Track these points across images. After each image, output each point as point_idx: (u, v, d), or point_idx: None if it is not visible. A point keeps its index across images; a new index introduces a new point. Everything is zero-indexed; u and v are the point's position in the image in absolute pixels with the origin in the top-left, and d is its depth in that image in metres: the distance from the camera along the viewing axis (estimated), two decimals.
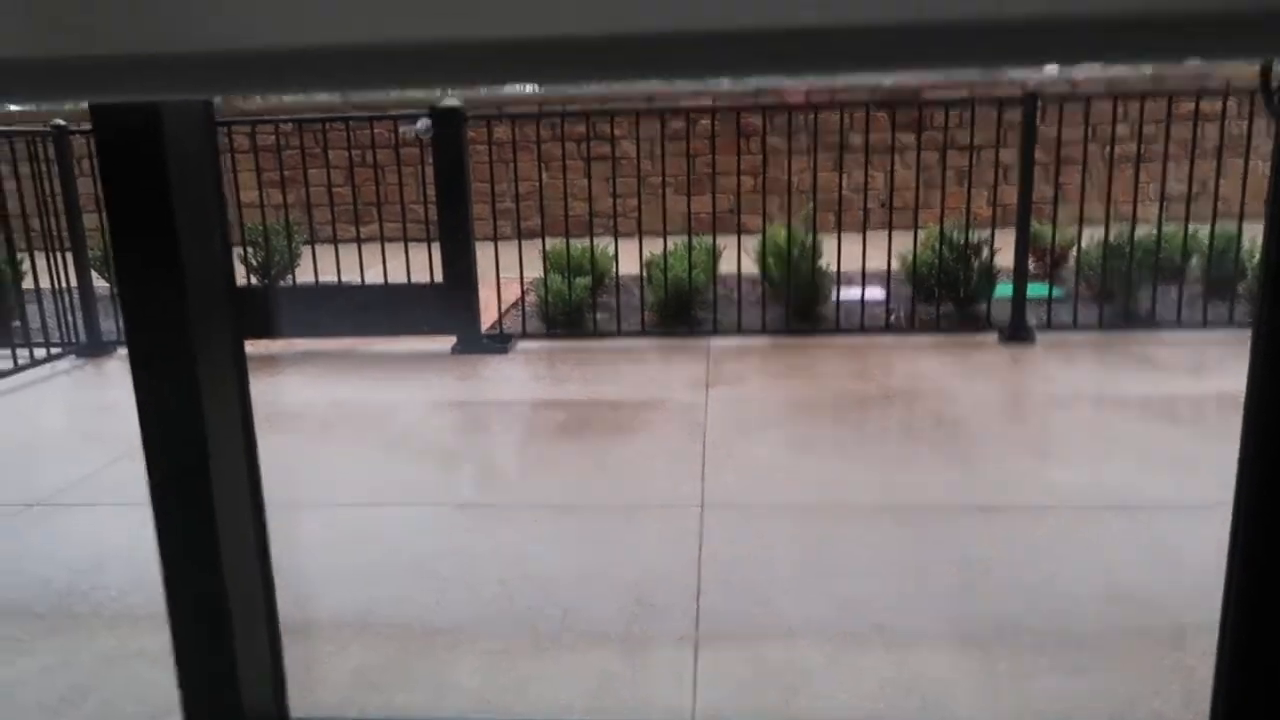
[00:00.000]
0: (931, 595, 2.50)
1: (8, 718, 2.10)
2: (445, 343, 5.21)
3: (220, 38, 0.50)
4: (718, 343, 5.25)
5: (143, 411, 1.35)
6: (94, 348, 5.38)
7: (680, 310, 5.48)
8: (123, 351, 5.45)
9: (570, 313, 5.46)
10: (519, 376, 4.89)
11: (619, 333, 5.39)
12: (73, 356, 5.28)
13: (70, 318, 5.35)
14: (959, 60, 0.49)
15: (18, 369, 4.88)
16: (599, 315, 5.56)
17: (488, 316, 5.41)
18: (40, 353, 5.07)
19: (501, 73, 0.52)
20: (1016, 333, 5.08)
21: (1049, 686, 2.07)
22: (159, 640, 2.26)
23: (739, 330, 5.32)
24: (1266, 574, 1.21)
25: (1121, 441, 3.63)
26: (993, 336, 5.16)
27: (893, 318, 5.49)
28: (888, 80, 8.51)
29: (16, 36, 0.52)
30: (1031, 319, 5.18)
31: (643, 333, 5.38)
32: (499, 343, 5.20)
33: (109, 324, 5.44)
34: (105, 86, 0.55)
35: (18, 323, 5.16)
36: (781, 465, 3.49)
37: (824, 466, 3.45)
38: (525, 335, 5.44)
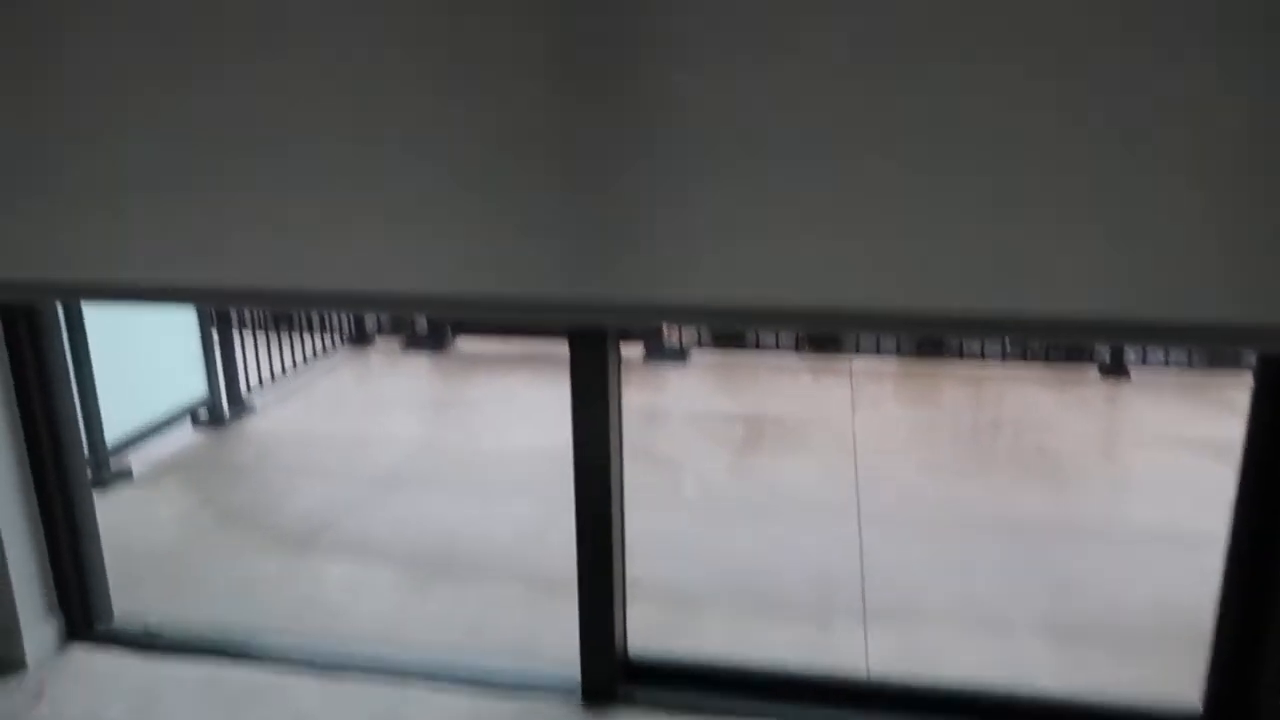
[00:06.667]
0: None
1: (435, 638, 3.39)
2: (636, 350, 6.47)
3: None
4: (858, 364, 6.37)
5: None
6: (361, 340, 6.85)
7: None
8: (381, 342, 6.90)
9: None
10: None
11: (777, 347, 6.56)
12: (349, 347, 6.77)
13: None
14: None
15: (320, 355, 6.44)
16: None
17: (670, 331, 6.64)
18: (329, 341, 6.60)
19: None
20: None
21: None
22: (513, 591, 3.62)
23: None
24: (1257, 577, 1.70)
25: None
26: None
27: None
28: None
29: None
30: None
31: (795, 350, 6.53)
32: (679, 353, 6.43)
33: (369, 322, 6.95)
34: None
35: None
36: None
37: None
38: (699, 347, 6.65)
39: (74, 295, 1.68)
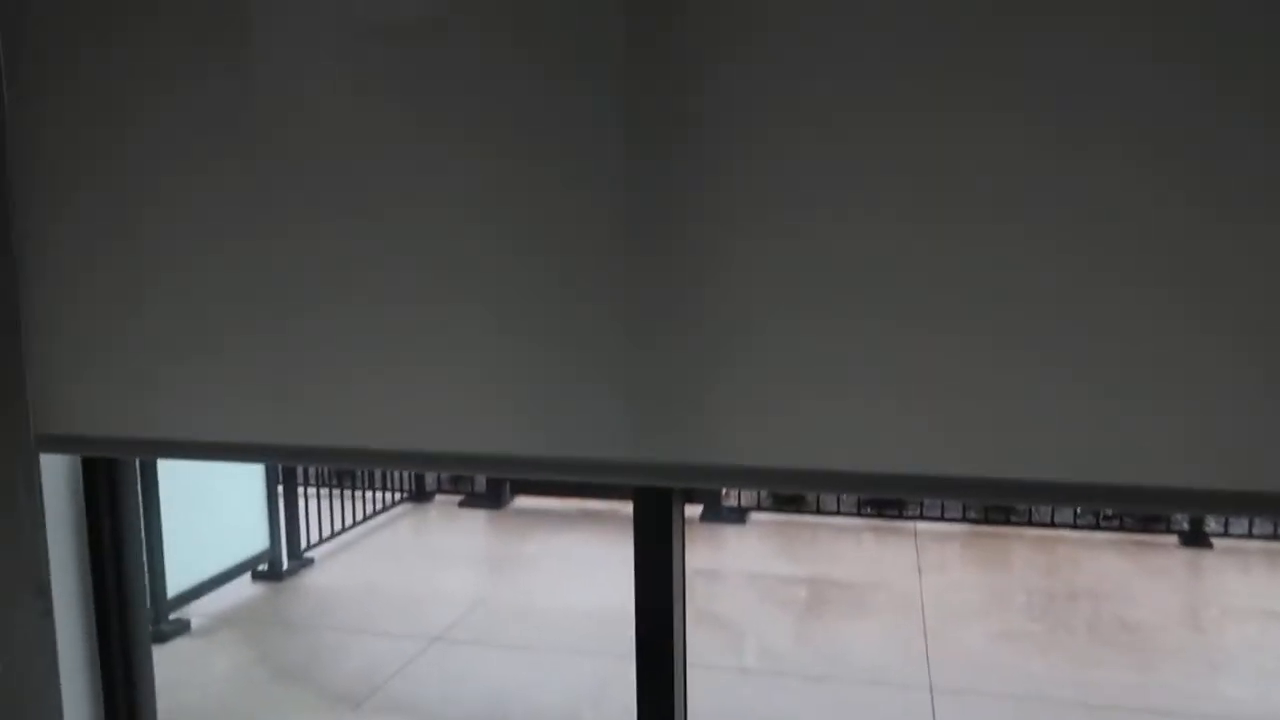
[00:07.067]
0: None
1: None
2: (694, 510, 6.39)
3: None
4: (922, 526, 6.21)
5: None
6: (420, 497, 6.91)
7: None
8: (440, 499, 6.93)
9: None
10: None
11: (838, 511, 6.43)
12: (408, 504, 6.82)
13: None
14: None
15: (380, 511, 6.49)
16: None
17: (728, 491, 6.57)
18: (389, 498, 6.65)
19: None
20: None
21: None
22: None
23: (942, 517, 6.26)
24: None
25: None
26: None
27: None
28: None
29: None
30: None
31: (857, 513, 6.39)
32: (738, 514, 6.34)
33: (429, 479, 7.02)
34: None
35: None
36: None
37: None
38: (758, 508, 6.55)
39: (157, 452, 1.72)
